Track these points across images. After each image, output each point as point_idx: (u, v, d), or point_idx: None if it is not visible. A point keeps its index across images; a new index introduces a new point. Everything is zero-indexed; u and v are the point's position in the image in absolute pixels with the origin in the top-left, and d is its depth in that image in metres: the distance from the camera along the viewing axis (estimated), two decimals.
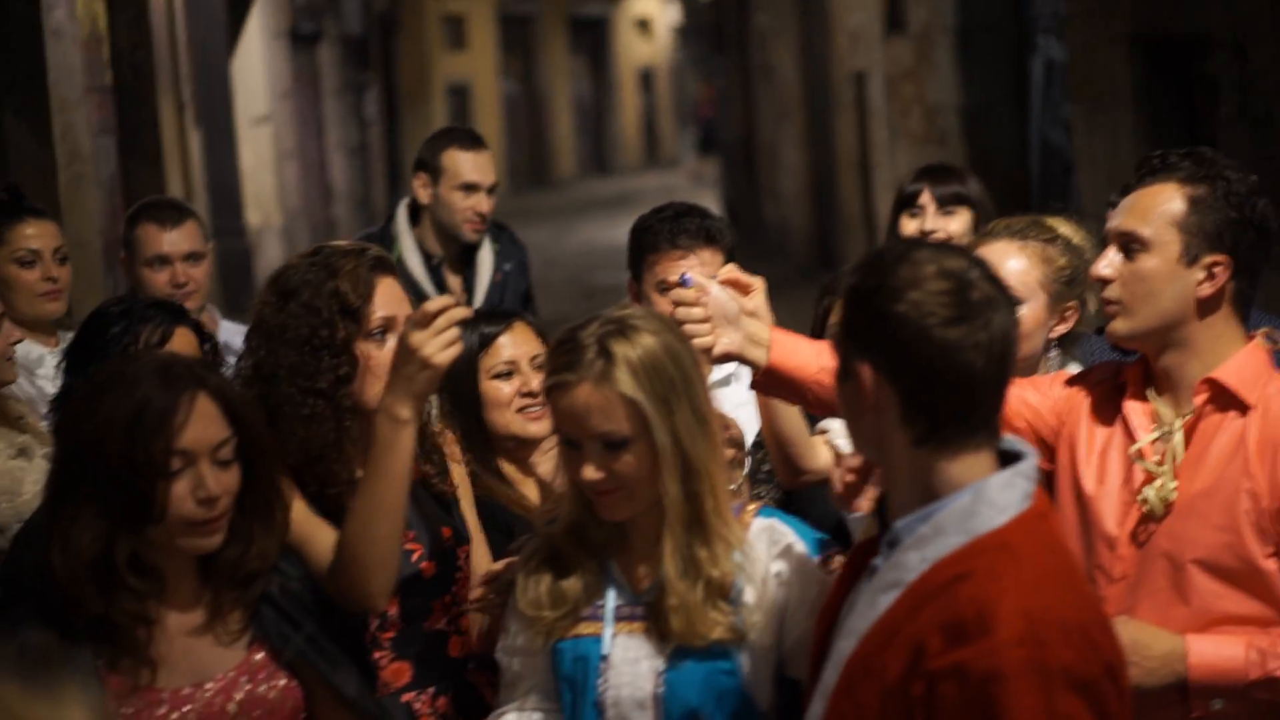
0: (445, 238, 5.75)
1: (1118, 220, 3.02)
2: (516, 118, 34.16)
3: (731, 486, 3.59)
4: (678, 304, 3.02)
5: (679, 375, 2.82)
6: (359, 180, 20.92)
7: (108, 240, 8.65)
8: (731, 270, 3.11)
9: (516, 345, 3.75)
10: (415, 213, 5.84)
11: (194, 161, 11.39)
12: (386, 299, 3.22)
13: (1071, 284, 3.42)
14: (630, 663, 2.85)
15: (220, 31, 13.60)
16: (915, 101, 10.23)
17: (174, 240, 4.94)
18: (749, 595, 2.85)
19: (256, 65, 15.09)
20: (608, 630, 2.87)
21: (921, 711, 2.23)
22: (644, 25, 40.69)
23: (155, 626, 2.75)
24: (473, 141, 5.87)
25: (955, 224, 4.53)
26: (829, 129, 14.08)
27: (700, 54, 34.54)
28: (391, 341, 3.18)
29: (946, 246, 3.94)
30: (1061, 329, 3.46)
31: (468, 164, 5.72)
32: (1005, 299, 2.34)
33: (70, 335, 4.83)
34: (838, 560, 2.90)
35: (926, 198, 4.55)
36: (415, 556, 3.28)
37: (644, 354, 2.80)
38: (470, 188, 5.69)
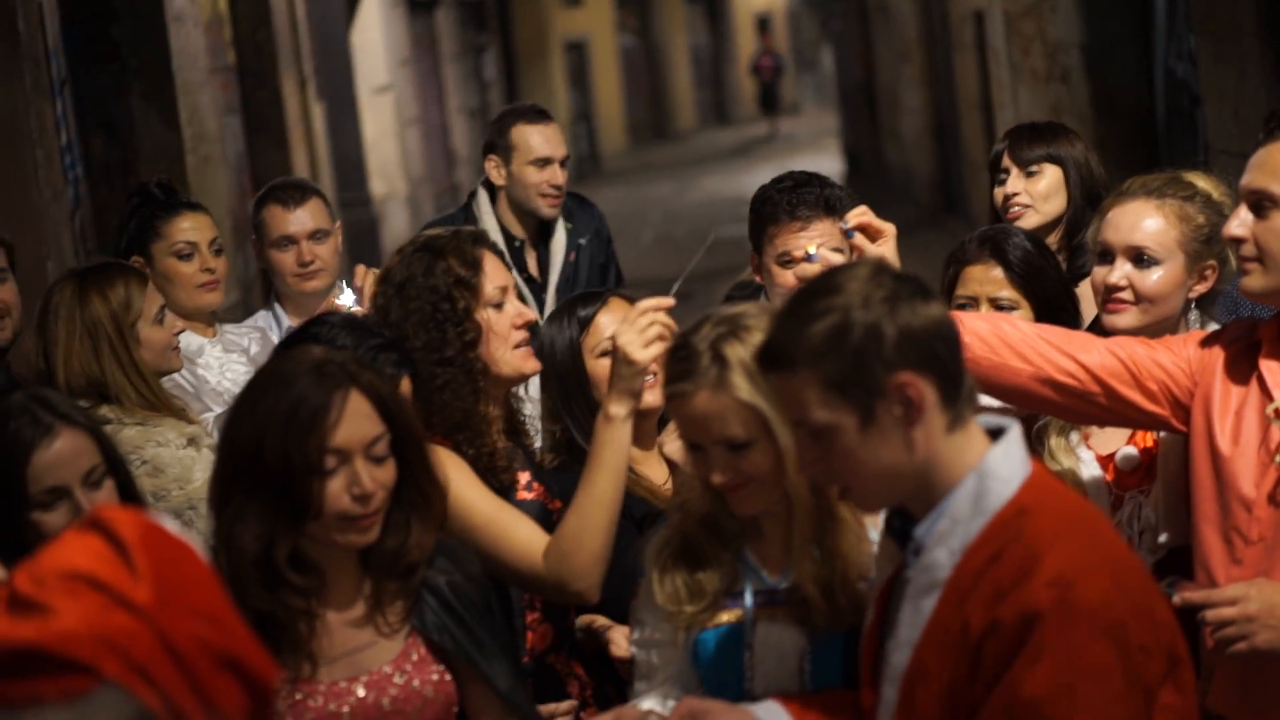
0: (523, 216, 5.74)
1: (1248, 178, 2.95)
2: (635, 71, 34.13)
3: None
4: (800, 279, 3.00)
5: None
6: (481, 143, 21.04)
7: (237, 220, 8.81)
8: (864, 213, 3.07)
9: (616, 321, 3.76)
10: (493, 195, 5.83)
11: (318, 136, 11.53)
12: (494, 269, 3.42)
13: (1210, 242, 3.32)
14: (775, 650, 2.85)
15: (338, 4, 13.74)
16: (1036, 39, 10.07)
17: (299, 219, 5.01)
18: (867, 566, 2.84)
19: (375, 35, 15.22)
20: (749, 618, 2.88)
21: (976, 693, 2.25)
22: None
23: (316, 620, 2.80)
24: (539, 115, 5.86)
25: (1041, 183, 4.41)
26: (949, 69, 13.93)
27: None
28: (509, 307, 3.39)
29: (989, 234, 3.89)
30: (1201, 288, 3.38)
31: (537, 138, 5.70)
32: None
33: (227, 326, 4.96)
34: None
35: (1008, 160, 4.47)
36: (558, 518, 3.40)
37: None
38: (543, 162, 5.67)
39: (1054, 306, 3.68)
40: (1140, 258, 3.34)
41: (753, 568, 2.90)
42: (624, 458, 3.15)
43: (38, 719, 1.58)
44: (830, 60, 33.87)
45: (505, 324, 3.40)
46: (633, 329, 3.09)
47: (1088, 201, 4.33)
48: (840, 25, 22.57)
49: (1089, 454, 3.44)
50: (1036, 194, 4.36)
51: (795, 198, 4.01)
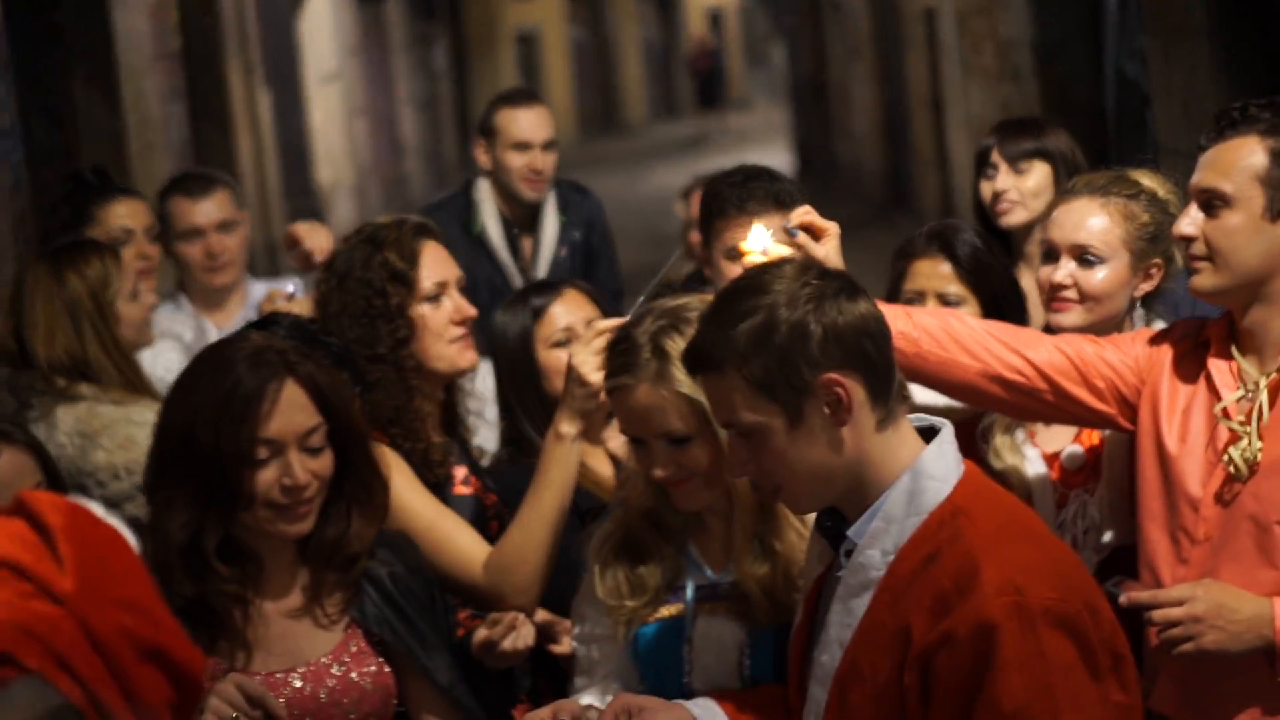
0: (511, 201, 5.72)
1: (1198, 176, 2.94)
2: (585, 64, 34.08)
3: None
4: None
5: None
6: (429, 134, 20.96)
7: (157, 212, 8.69)
8: (807, 213, 3.05)
9: (570, 313, 3.73)
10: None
11: (264, 123, 11.42)
12: (434, 261, 3.39)
13: (1155, 240, 3.33)
14: (715, 644, 2.84)
15: None
16: (987, 37, 10.07)
17: (205, 211, 4.92)
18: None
19: (324, 23, 15.12)
20: (690, 613, 2.85)
21: (915, 699, 2.23)
22: None
23: (252, 609, 2.77)
24: (523, 98, 5.84)
25: (1030, 180, 4.41)
26: (900, 67, 13.94)
27: None
28: (447, 303, 3.37)
29: (938, 229, 3.89)
30: (1146, 287, 3.38)
31: (518, 121, 5.68)
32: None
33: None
34: None
35: (997, 156, 4.45)
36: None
37: None
38: (522, 146, 5.65)
39: (1001, 302, 3.68)
40: (1085, 256, 3.33)
41: (695, 562, 2.88)
42: (572, 476, 3.15)
43: None
44: (781, 55, 33.92)
45: (442, 320, 3.37)
46: (588, 349, 3.07)
47: None
48: (792, 21, 22.57)
49: (1034, 452, 3.42)
50: (1026, 191, 4.36)
51: (745, 192, 3.99)
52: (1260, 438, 2.88)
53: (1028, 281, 4.37)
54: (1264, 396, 2.90)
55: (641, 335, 2.80)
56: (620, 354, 2.80)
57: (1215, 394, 2.96)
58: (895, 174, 15.23)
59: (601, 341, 3.04)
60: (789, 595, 2.79)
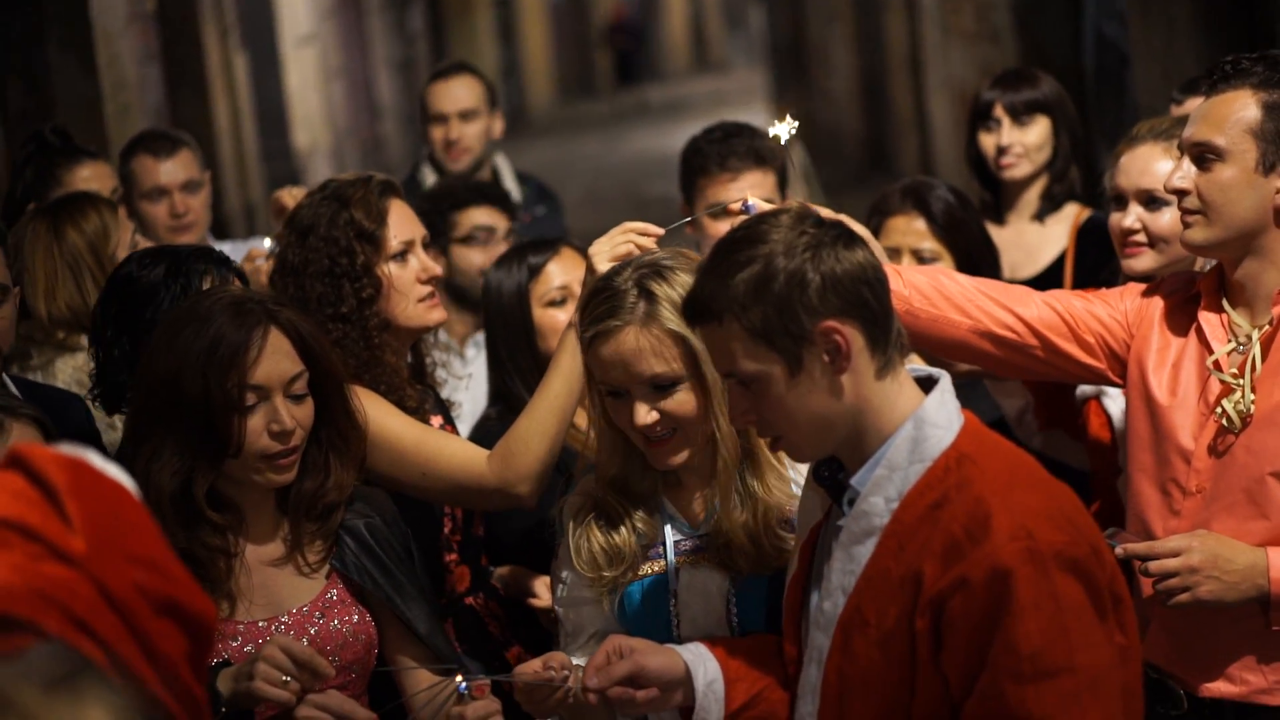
0: (445, 175, 5.70)
1: (1191, 130, 2.96)
2: (563, 25, 33.90)
3: None
4: None
5: None
6: (406, 96, 20.84)
7: (119, 171, 8.62)
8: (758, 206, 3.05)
9: (566, 271, 3.72)
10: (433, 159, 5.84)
11: (240, 86, 11.35)
12: (400, 220, 3.38)
13: None
14: (700, 595, 2.85)
15: None
16: None
17: (170, 170, 4.90)
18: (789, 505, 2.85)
19: None
20: (671, 567, 2.85)
21: (927, 645, 2.26)
22: None
23: (235, 559, 2.80)
24: (445, 71, 5.87)
25: (1032, 134, 4.44)
26: (879, 28, 13.89)
27: None
28: (413, 261, 3.37)
29: (909, 183, 3.91)
30: None
31: (434, 94, 5.73)
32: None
33: None
34: None
35: (1000, 110, 4.46)
36: None
37: (685, 291, 2.76)
38: (439, 117, 5.67)
39: (976, 258, 3.70)
40: (1151, 200, 3.39)
41: (671, 516, 2.88)
42: (581, 366, 3.09)
43: None
44: (760, 18, 33.75)
45: (409, 278, 3.36)
46: (607, 241, 3.06)
47: (1072, 148, 4.37)
48: None
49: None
50: (1029, 144, 4.40)
51: (725, 149, 4.00)
52: (1253, 390, 2.91)
53: (1020, 232, 4.40)
54: (1256, 349, 2.93)
55: (624, 282, 2.79)
56: (604, 300, 2.79)
57: (1206, 347, 2.98)
58: (874, 136, 15.19)
59: (624, 238, 3.04)
60: (771, 541, 2.81)
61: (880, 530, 2.31)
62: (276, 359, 2.74)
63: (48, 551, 1.55)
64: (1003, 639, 2.21)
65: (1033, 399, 3.66)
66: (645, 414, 2.76)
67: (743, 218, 2.95)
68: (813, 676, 2.39)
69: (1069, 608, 2.22)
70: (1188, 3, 6.24)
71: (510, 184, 5.80)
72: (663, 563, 2.86)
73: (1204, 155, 2.95)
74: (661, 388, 2.75)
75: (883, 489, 2.32)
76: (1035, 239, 4.43)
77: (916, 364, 2.48)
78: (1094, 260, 4.20)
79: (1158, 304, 3.06)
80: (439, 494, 3.23)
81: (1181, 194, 2.97)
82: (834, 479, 2.42)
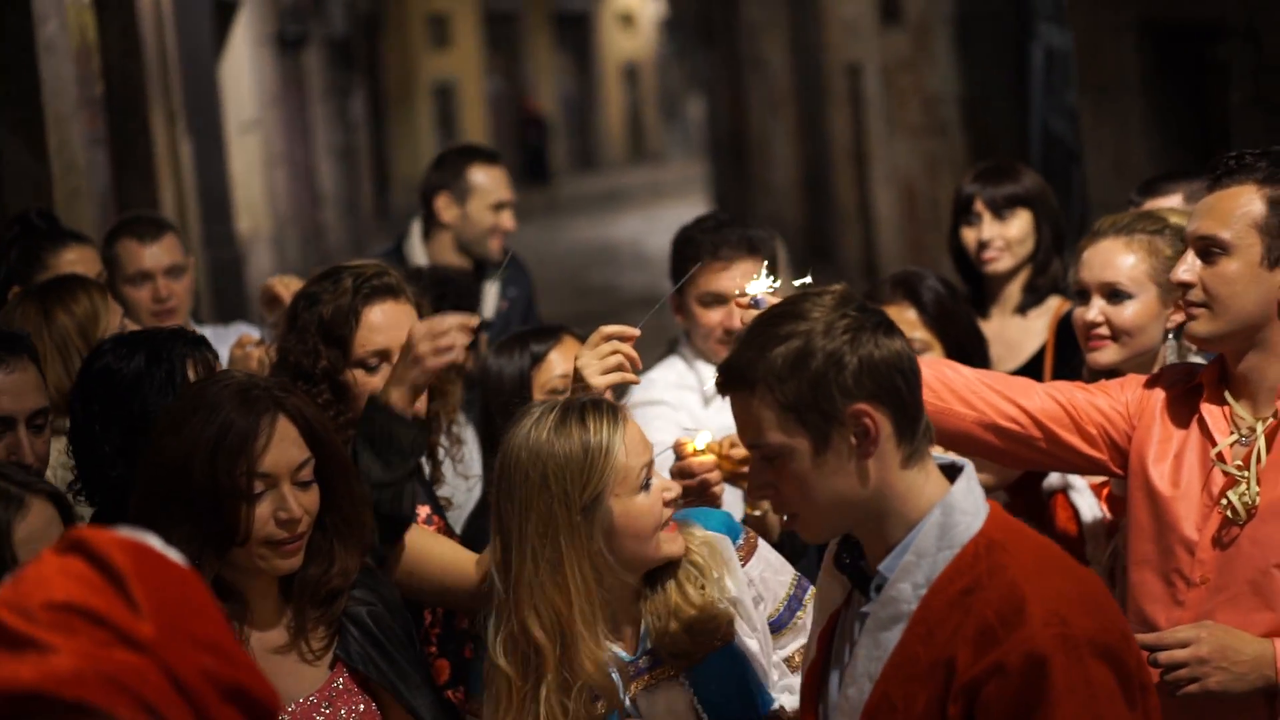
0: (467, 257, 5.66)
1: (1195, 224, 3.01)
2: (501, 116, 34.09)
3: (757, 513, 3.57)
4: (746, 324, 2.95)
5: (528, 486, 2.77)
6: (347, 184, 20.86)
7: (102, 254, 8.56)
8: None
9: (568, 360, 3.69)
10: (427, 233, 5.76)
11: (186, 171, 11.30)
12: (382, 326, 3.29)
13: None
14: (666, 713, 2.81)
15: (207, 38, 13.52)
16: (913, 92, 10.17)
17: (155, 255, 4.87)
18: (723, 597, 2.85)
19: (244, 71, 15.01)
20: (626, 700, 2.80)
21: None
22: (627, 20, 40.63)
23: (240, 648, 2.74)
24: (495, 157, 5.86)
25: (1014, 228, 4.48)
26: (822, 121, 14.03)
27: (684, 47, 34.43)
28: (385, 370, 3.26)
29: (895, 276, 3.96)
30: (1177, 318, 3.38)
31: (497, 180, 5.67)
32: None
33: None
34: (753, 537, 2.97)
35: (980, 205, 4.50)
36: None
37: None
38: (502, 205, 5.64)
39: (965, 348, 3.72)
40: (1114, 293, 3.44)
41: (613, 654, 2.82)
42: None
43: None
44: (697, 110, 34.02)
45: (376, 387, 3.25)
46: (594, 354, 3.05)
47: (1054, 241, 4.41)
48: (711, 76, 22.71)
49: (1082, 482, 3.52)
50: (1011, 238, 4.44)
51: (718, 238, 4.01)
52: (1258, 482, 2.93)
53: (1003, 325, 4.42)
54: (1261, 441, 2.95)
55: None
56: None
57: (1209, 439, 3.01)
58: (816, 228, 15.30)
59: (608, 347, 3.04)
60: (702, 620, 2.79)
61: (908, 616, 2.32)
62: (284, 446, 2.72)
63: (116, 637, 1.52)
64: None
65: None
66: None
67: (753, 311, 2.95)
68: None
69: (1102, 695, 2.23)
70: (1139, 100, 6.33)
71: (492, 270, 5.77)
72: (617, 699, 2.78)
73: (1209, 249, 2.98)
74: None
75: (911, 575, 2.33)
76: (1017, 332, 4.45)
77: (936, 452, 2.48)
78: (1073, 353, 4.23)
79: (1159, 395, 3.08)
80: (425, 595, 3.17)
81: (1186, 286, 3.00)
82: (855, 565, 2.42)
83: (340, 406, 3.27)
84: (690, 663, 2.80)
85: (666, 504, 2.82)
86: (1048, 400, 3.07)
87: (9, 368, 3.20)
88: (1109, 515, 3.48)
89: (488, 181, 5.65)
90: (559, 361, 3.71)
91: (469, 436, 3.99)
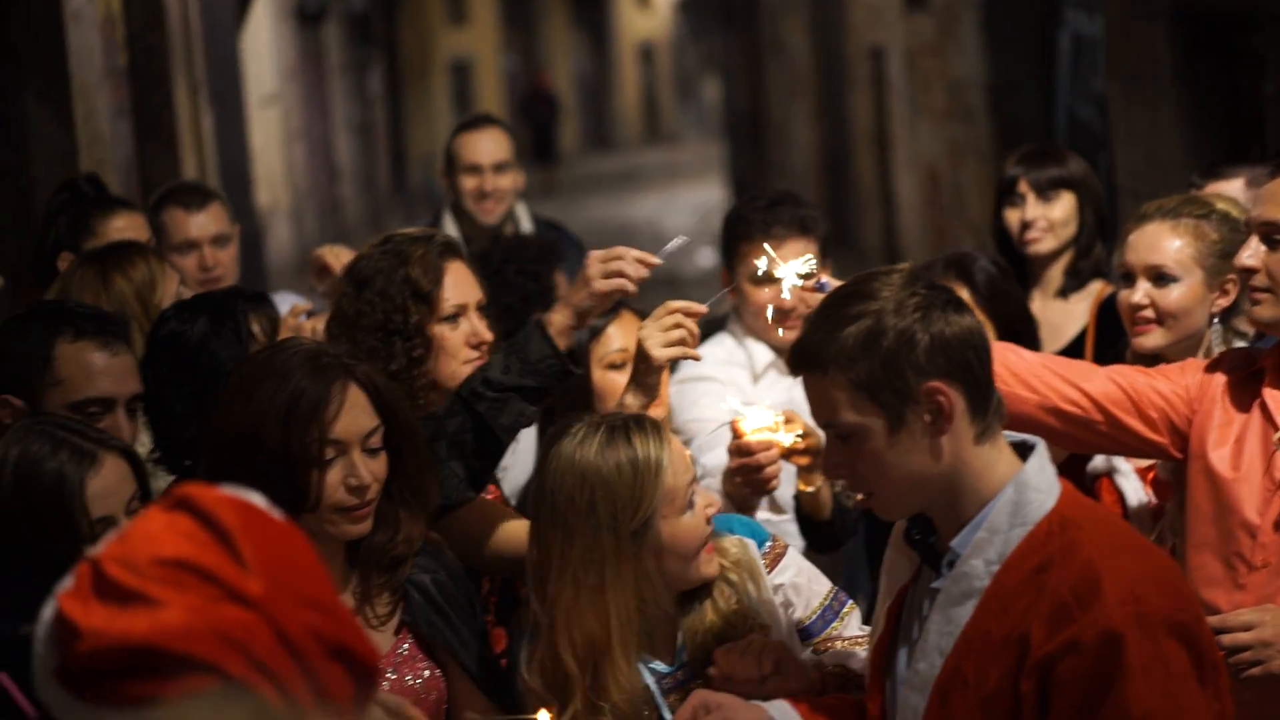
0: (474, 229, 5.68)
1: (1259, 210, 3.03)
2: (517, 93, 34.04)
3: (809, 489, 3.56)
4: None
5: (581, 502, 2.75)
6: (364, 158, 20.85)
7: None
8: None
9: (627, 335, 3.69)
10: (455, 212, 5.80)
11: (207, 144, 11.29)
12: (457, 283, 3.36)
13: (1227, 256, 3.39)
14: None
15: (229, 11, 13.50)
16: (937, 77, 10.13)
17: (201, 224, 4.87)
18: (756, 604, 2.86)
19: (264, 45, 14.99)
20: (666, 713, 2.78)
21: (1032, 707, 2.27)
22: (644, 0, 40.55)
23: None
24: (476, 123, 5.86)
25: (1057, 210, 4.48)
26: (843, 105, 13.99)
27: (701, 28, 34.36)
28: (465, 324, 3.34)
29: (949, 257, 3.97)
30: (1223, 303, 3.46)
31: (468, 145, 5.71)
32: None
33: None
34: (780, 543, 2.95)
35: (1024, 185, 4.50)
36: None
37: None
38: (473, 168, 5.65)
39: (1016, 329, 3.74)
40: (1160, 276, 3.44)
41: (648, 666, 2.81)
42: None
43: None
44: (713, 91, 33.96)
45: (458, 340, 3.33)
46: (657, 325, 3.06)
47: (1097, 225, 4.41)
48: (729, 57, 22.67)
49: (1128, 466, 3.52)
50: (1054, 219, 4.44)
51: (771, 216, 4.01)
52: None
53: (1045, 308, 4.42)
54: None
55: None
56: None
57: (1271, 423, 3.02)
58: (835, 211, 15.26)
59: (672, 320, 3.04)
60: (743, 633, 2.79)
61: (980, 592, 2.33)
62: (355, 413, 2.73)
63: (225, 593, 1.53)
64: (1113, 703, 2.23)
65: None
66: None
67: (818, 294, 2.93)
68: None
69: (1176, 673, 2.24)
70: (1171, 88, 6.30)
71: (527, 230, 5.77)
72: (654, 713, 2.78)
73: (1273, 235, 3.00)
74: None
75: (983, 551, 2.34)
76: (1058, 315, 4.44)
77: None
78: (1115, 337, 4.22)
79: (1219, 380, 3.09)
80: (483, 562, 3.18)
81: (1250, 272, 3.01)
82: (925, 542, 2.44)
83: (422, 367, 3.30)
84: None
85: (708, 521, 2.80)
86: (1109, 384, 3.08)
87: (112, 350, 3.21)
88: (1154, 500, 3.48)
89: (463, 147, 5.69)
90: (616, 335, 3.70)
91: None
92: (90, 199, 4.57)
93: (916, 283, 2.38)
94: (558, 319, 3.12)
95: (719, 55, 26.82)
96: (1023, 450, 2.42)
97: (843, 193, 14.62)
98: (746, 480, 3.46)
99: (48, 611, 1.60)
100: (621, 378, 3.66)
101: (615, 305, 3.79)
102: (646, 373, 3.10)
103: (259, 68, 14.71)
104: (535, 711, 2.68)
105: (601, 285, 3.07)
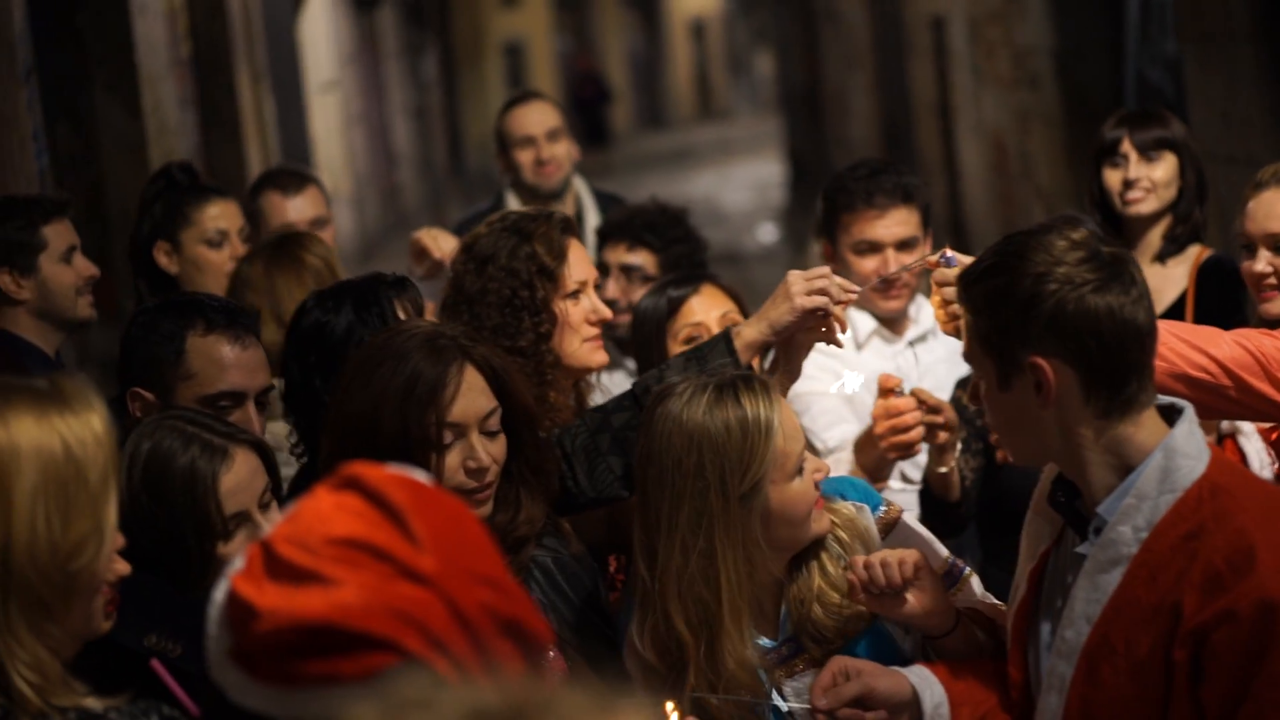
0: (536, 201, 5.64)
1: (1270, 224, 3.02)
2: (571, 72, 34.01)
3: (943, 469, 3.51)
4: (941, 284, 2.90)
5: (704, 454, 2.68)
6: (420, 143, 20.88)
7: (245, 208, 8.57)
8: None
9: (706, 309, 3.66)
10: (518, 193, 5.77)
11: (270, 131, 11.33)
12: (578, 259, 3.37)
13: None
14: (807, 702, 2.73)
15: None
16: (1002, 44, 10.03)
17: (299, 207, 4.89)
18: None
19: (321, 31, 15.02)
20: (772, 690, 2.71)
21: (1185, 675, 2.25)
22: None
23: None
24: (521, 98, 5.84)
25: (1160, 170, 4.46)
26: (903, 74, 13.89)
27: (751, 3, 34.22)
28: (586, 301, 3.35)
29: (1063, 219, 3.95)
30: None
31: (517, 119, 5.69)
32: (1129, 253, 2.49)
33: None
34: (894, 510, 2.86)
35: (1128, 145, 4.48)
36: None
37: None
38: (527, 140, 5.63)
39: None
40: None
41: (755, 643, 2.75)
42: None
43: (335, 698, 1.46)
44: (765, 65, 33.82)
45: (580, 317, 3.34)
46: (805, 274, 3.02)
47: (1198, 189, 4.38)
48: (783, 30, 22.56)
49: (1250, 427, 3.51)
50: (1157, 180, 4.42)
51: (873, 185, 3.98)
52: None
53: (1144, 273, 4.40)
54: None
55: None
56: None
57: None
58: None
59: (823, 281, 3.00)
60: (846, 623, 2.73)
61: (1128, 559, 2.31)
62: (472, 396, 2.72)
63: (399, 571, 1.52)
64: (1269, 672, 2.21)
65: None
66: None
67: (946, 270, 2.90)
68: (1053, 704, 2.38)
69: None
70: (1249, 48, 6.21)
71: (589, 204, 5.76)
72: (761, 691, 2.70)
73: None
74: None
75: (1131, 518, 2.32)
76: (1158, 280, 4.39)
77: None
78: (1214, 301, 4.18)
79: None
80: (625, 543, 3.15)
81: (1261, 276, 3.01)
82: (1070, 505, 2.41)
83: (549, 342, 3.30)
84: (832, 649, 2.71)
85: (816, 486, 2.73)
86: (1236, 349, 3.04)
87: (244, 344, 3.19)
88: (1278, 461, 3.44)
89: (513, 123, 5.66)
90: (696, 309, 3.67)
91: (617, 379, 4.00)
92: (185, 187, 4.58)
93: (1076, 251, 2.34)
94: (748, 332, 3.03)
95: (770, 29, 26.70)
96: (1170, 415, 2.39)
97: (905, 162, 14.50)
98: (893, 444, 3.42)
99: (219, 593, 1.59)
100: None
101: (699, 277, 3.77)
102: (777, 310, 3.02)
103: (317, 55, 14.74)
104: (661, 701, 2.62)
105: (805, 302, 2.98)
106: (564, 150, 5.67)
